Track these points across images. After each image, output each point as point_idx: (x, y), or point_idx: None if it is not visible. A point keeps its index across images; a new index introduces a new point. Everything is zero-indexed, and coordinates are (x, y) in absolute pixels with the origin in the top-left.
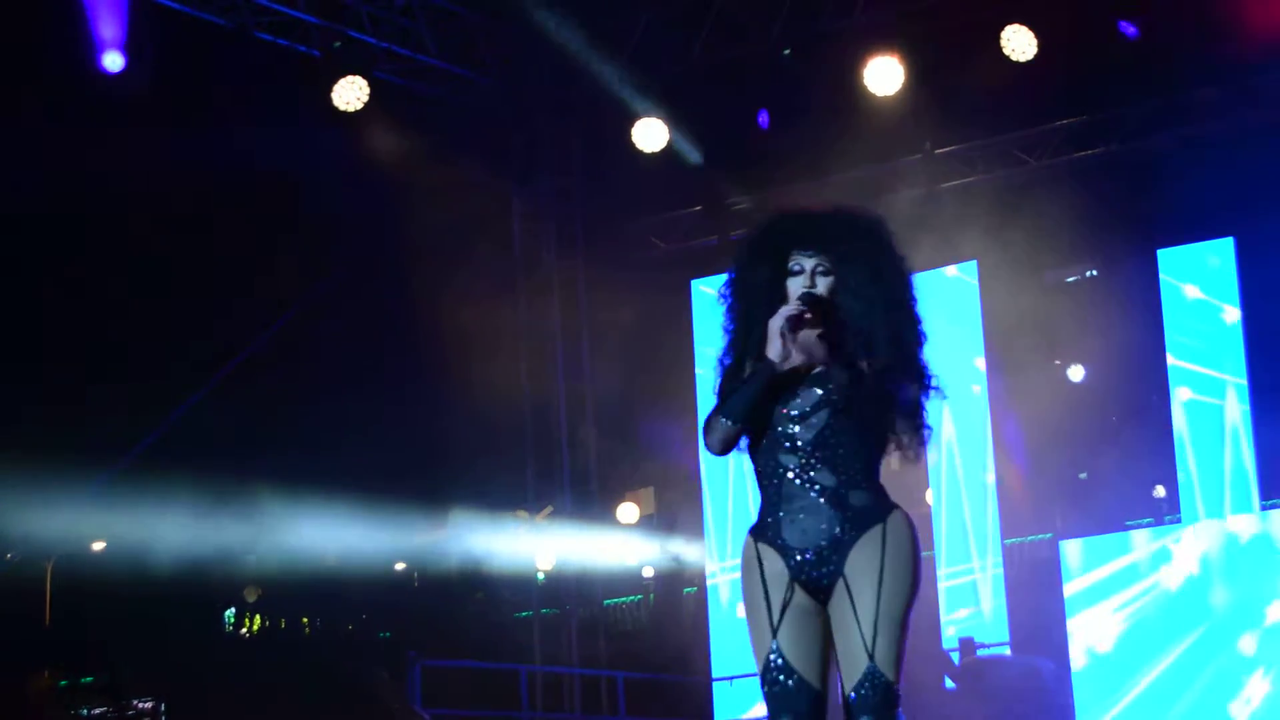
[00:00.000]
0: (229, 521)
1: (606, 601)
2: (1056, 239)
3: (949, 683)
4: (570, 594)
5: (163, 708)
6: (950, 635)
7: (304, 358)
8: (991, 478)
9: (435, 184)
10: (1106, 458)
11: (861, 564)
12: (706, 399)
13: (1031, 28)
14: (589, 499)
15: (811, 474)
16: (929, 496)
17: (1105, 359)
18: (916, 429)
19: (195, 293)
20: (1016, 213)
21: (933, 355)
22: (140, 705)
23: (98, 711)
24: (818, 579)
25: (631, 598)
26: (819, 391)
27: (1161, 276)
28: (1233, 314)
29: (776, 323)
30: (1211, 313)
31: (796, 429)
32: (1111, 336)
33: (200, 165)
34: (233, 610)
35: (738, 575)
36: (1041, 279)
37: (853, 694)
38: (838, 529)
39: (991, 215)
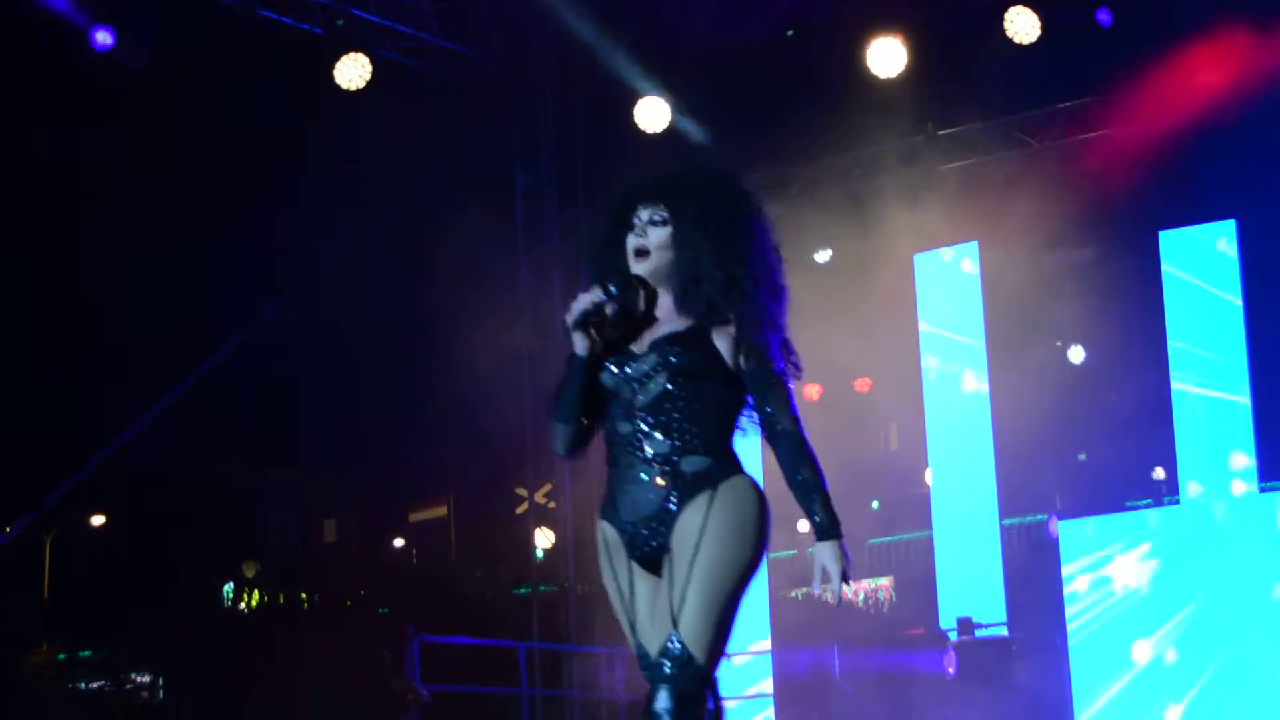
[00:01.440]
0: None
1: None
2: (1057, 220)
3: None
4: (569, 571)
5: (160, 681)
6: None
7: (305, 333)
8: (992, 456)
9: (436, 164)
10: (1106, 439)
11: (685, 532)
12: None
13: (1034, 9)
14: (588, 475)
15: (645, 442)
16: (928, 477)
17: (1106, 340)
18: (771, 390)
19: (203, 264)
20: (1018, 194)
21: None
22: (138, 679)
23: (95, 685)
24: (651, 553)
25: None
26: (656, 355)
27: (1162, 258)
28: (1234, 296)
29: (569, 318)
30: (1212, 295)
31: (635, 394)
32: (1112, 318)
33: (198, 141)
34: (231, 585)
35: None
36: (1042, 260)
37: (653, 663)
38: (665, 498)
39: (993, 197)
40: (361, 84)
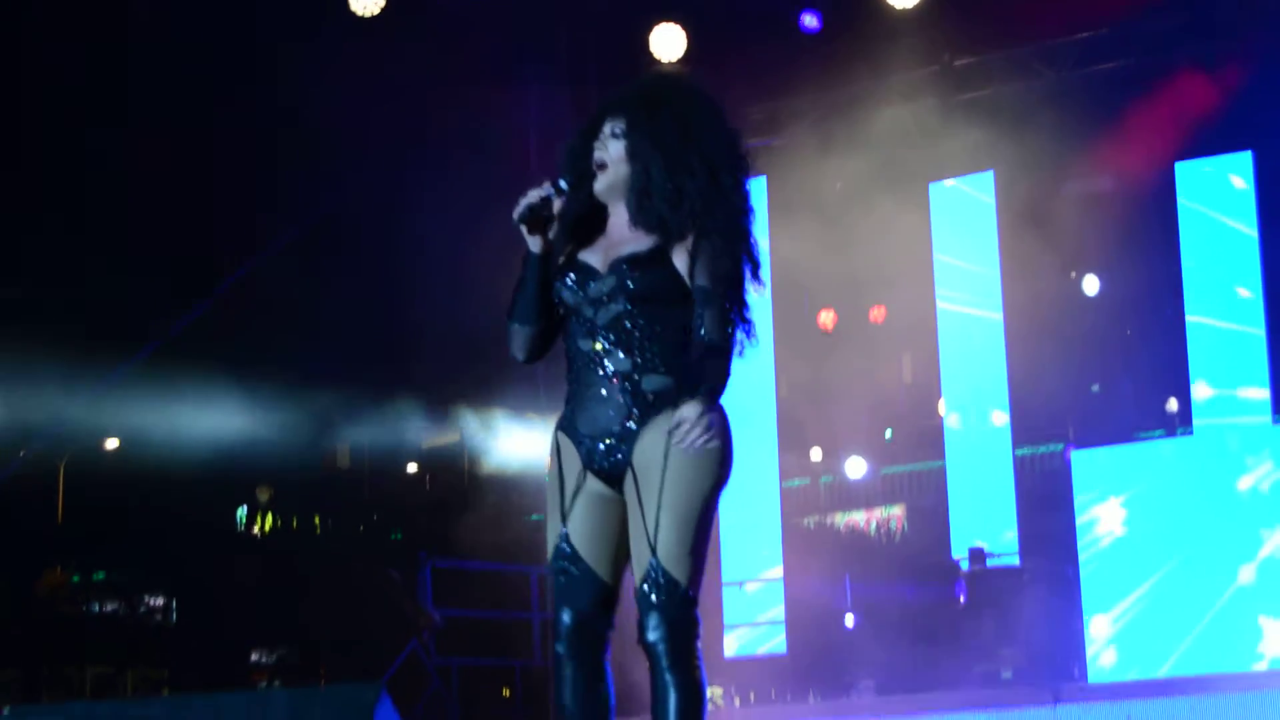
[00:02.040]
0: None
1: None
2: (1074, 151)
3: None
4: None
5: (174, 604)
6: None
7: (314, 258)
8: (1005, 387)
9: (448, 91)
10: (1120, 370)
11: (649, 453)
12: None
13: None
14: None
15: (606, 359)
16: (942, 407)
17: (1120, 272)
18: (709, 305)
19: (215, 190)
20: (1034, 125)
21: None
22: (152, 601)
23: (109, 607)
24: (609, 469)
25: None
26: (615, 278)
27: (1178, 190)
28: (1250, 229)
29: (515, 212)
30: (1228, 227)
31: (595, 313)
32: (1127, 249)
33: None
34: (244, 509)
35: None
36: (1058, 191)
37: (638, 590)
38: (626, 416)
39: (1009, 127)
40: (376, 11)
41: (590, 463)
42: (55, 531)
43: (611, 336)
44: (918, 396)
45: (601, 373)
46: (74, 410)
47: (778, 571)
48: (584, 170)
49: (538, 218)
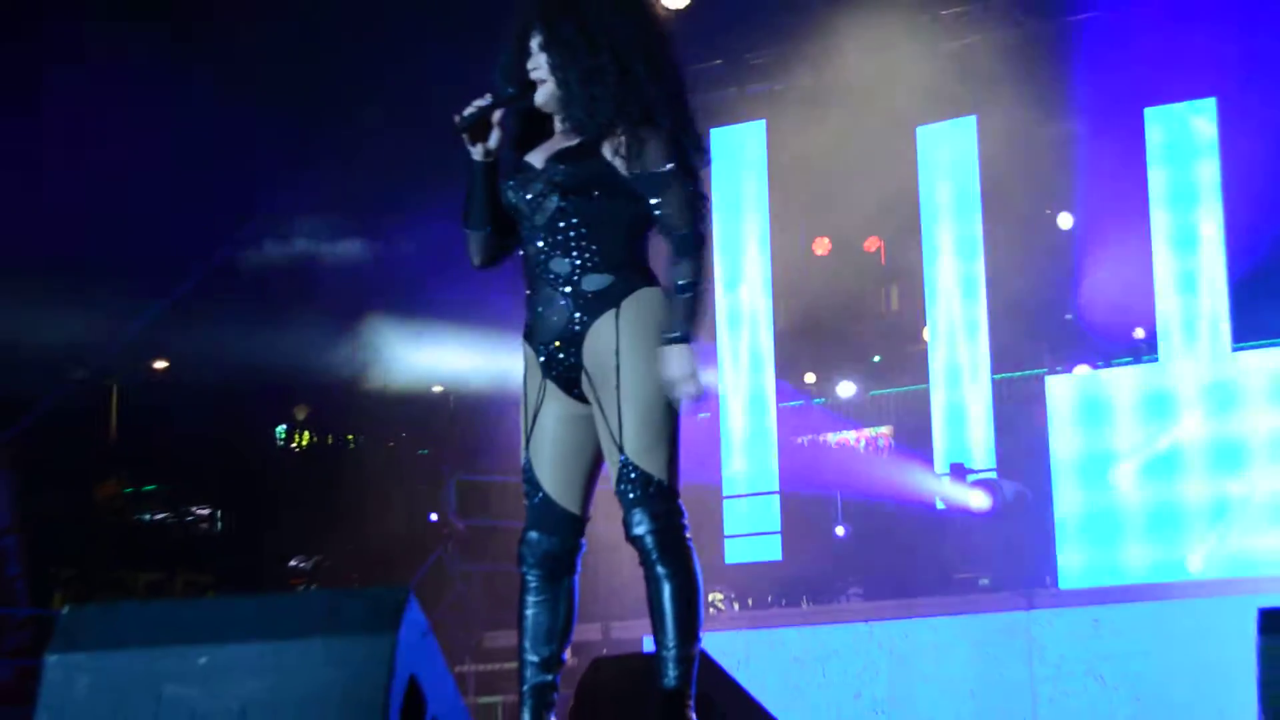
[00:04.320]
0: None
1: None
2: (1051, 96)
3: (939, 504)
4: None
5: (219, 514)
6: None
7: (342, 181)
8: (984, 316)
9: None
10: (1091, 300)
11: (598, 355)
12: (724, 242)
13: None
14: None
15: (549, 262)
16: (926, 334)
17: (1093, 209)
18: (663, 190)
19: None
20: (1014, 71)
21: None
22: (199, 511)
23: (159, 516)
24: (564, 374)
25: None
26: (548, 173)
27: (1147, 133)
28: (1213, 170)
29: (456, 122)
30: (1192, 169)
31: (534, 213)
32: (1099, 188)
33: None
34: (284, 426)
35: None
36: (1036, 134)
37: (616, 490)
38: (570, 319)
39: (991, 73)
40: None
41: (549, 369)
42: (110, 447)
43: (552, 239)
44: (904, 324)
45: (547, 277)
46: (125, 335)
47: (774, 486)
48: (524, 82)
49: (478, 125)
